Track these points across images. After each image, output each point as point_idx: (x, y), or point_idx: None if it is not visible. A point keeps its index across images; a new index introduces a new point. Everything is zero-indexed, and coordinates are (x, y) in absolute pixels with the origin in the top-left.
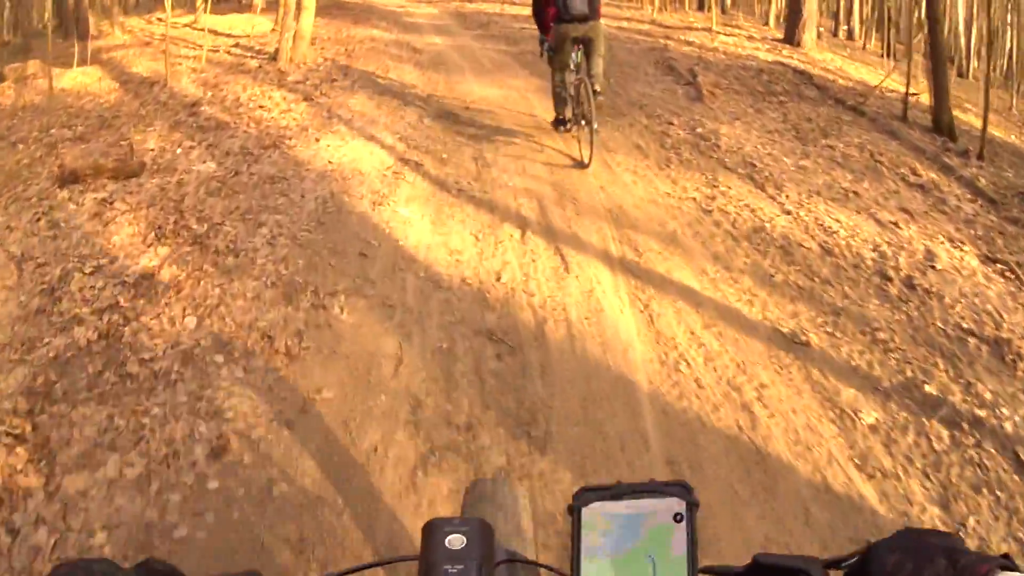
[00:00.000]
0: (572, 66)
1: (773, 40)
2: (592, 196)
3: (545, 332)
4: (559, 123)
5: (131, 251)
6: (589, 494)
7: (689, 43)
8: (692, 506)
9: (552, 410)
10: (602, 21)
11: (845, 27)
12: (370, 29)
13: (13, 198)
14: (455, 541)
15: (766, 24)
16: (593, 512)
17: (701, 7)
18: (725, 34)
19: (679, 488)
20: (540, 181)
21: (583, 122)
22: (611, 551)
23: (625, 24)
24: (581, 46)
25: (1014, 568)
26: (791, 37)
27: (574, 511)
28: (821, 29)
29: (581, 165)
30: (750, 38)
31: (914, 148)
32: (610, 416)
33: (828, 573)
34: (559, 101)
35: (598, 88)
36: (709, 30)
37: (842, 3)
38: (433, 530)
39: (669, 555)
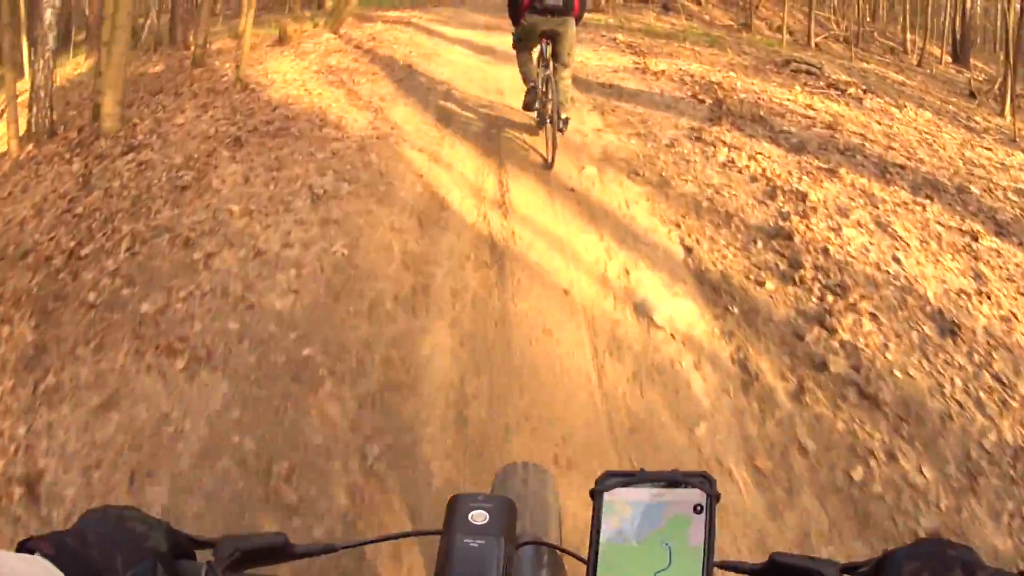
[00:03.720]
0: (538, 57)
1: None
2: None
3: None
4: (529, 94)
5: None
6: (612, 479)
7: None
8: (712, 498)
9: None
10: (574, 22)
11: None
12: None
13: None
14: (478, 516)
15: None
16: (615, 497)
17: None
18: None
19: (701, 479)
20: None
21: (548, 121)
22: (630, 537)
23: None
24: (550, 41)
25: None
26: None
27: (596, 495)
28: None
29: (546, 165)
30: None
31: None
32: None
33: None
34: (527, 80)
35: (564, 116)
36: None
37: None
38: (457, 504)
39: (686, 545)
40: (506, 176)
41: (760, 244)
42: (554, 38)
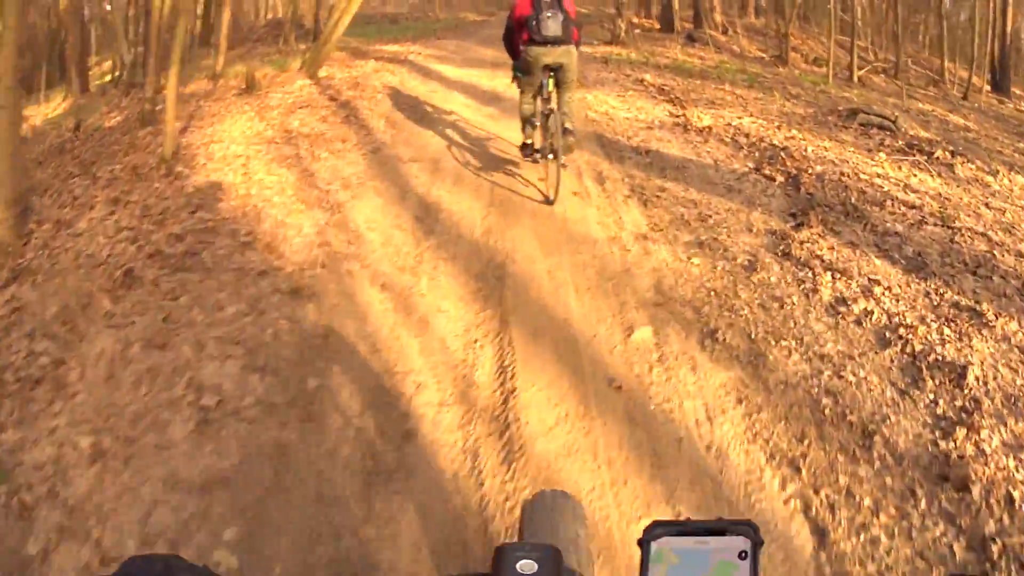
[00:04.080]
0: (542, 92)
1: None
2: None
3: None
4: (526, 148)
5: None
6: (659, 529)
7: None
8: (757, 545)
9: None
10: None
11: None
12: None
13: None
14: (526, 567)
15: None
16: (661, 546)
17: None
18: None
19: (746, 527)
20: None
21: (551, 156)
22: None
23: None
24: (552, 73)
25: None
26: None
27: (643, 544)
28: None
29: (547, 201)
30: None
31: None
32: None
33: None
34: (526, 124)
35: (569, 126)
36: None
37: None
38: (504, 555)
39: None
40: (513, 347)
41: (922, 500)
42: (557, 70)
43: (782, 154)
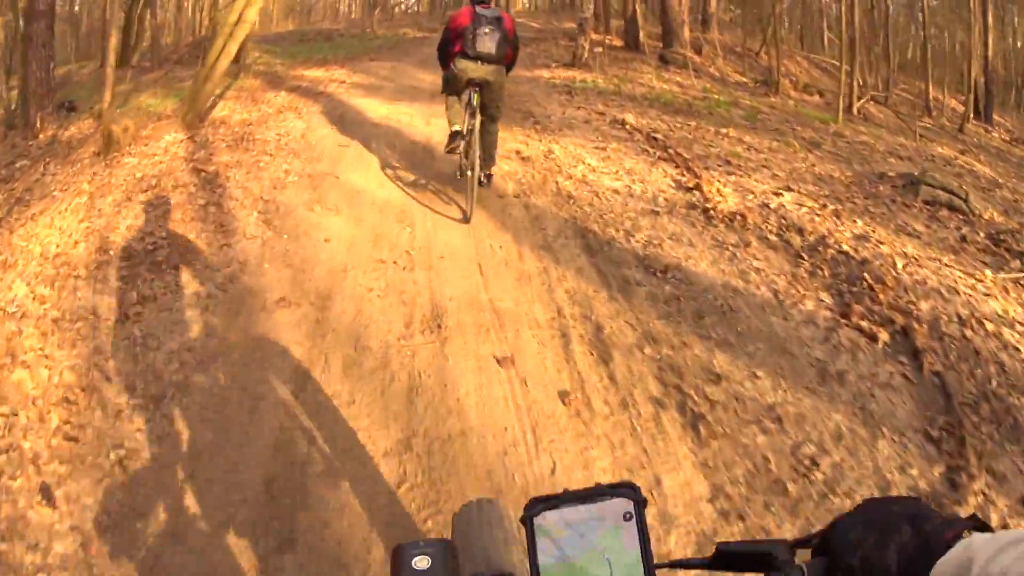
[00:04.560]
0: (465, 103)
1: None
2: None
3: None
4: (452, 138)
5: None
6: (539, 504)
7: None
8: (640, 504)
9: None
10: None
11: None
12: None
13: None
14: (421, 562)
15: None
16: (545, 521)
17: None
18: None
19: (625, 489)
20: None
21: (469, 172)
22: (568, 556)
23: None
24: (478, 89)
25: (984, 528)
26: None
27: (526, 522)
28: None
29: (465, 219)
30: None
31: None
32: None
33: (795, 552)
34: (452, 122)
35: (490, 171)
36: None
37: None
38: (400, 554)
39: (624, 554)
40: None
41: None
42: (483, 87)
43: (865, 275)
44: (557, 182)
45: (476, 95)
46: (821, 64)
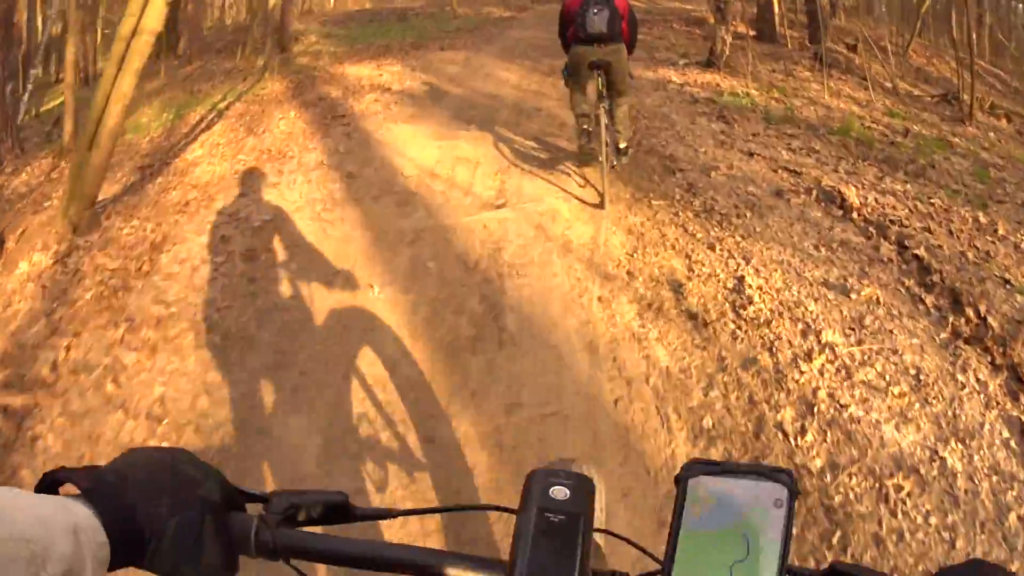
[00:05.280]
0: (592, 92)
1: None
2: None
3: None
4: (583, 149)
5: None
6: (697, 467)
7: None
8: (793, 494)
9: None
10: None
11: None
12: None
13: None
14: (558, 492)
15: None
16: (698, 484)
17: None
18: None
19: (784, 475)
20: None
21: (601, 159)
22: (710, 525)
23: None
24: (601, 72)
25: None
26: None
27: (680, 481)
28: None
29: (598, 205)
30: None
31: None
32: None
33: None
34: (580, 131)
35: (622, 144)
36: None
37: None
38: (536, 479)
39: (765, 538)
40: None
41: None
42: (607, 69)
43: None
44: (781, 425)
45: (601, 78)
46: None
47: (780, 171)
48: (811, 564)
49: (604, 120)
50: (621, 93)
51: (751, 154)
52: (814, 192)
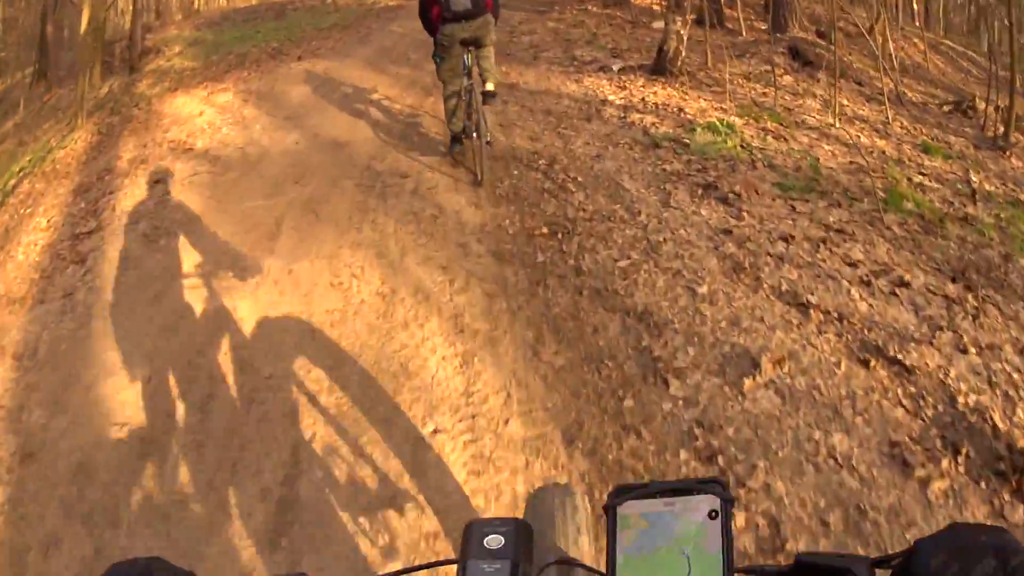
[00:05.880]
0: (463, 71)
1: None
2: None
3: None
4: (454, 142)
5: None
6: (624, 493)
7: None
8: (727, 503)
9: None
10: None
11: None
12: None
13: None
14: (493, 541)
15: None
16: (628, 510)
17: None
18: None
19: (714, 485)
20: None
21: (475, 134)
22: (647, 548)
23: None
24: (472, 48)
25: None
26: None
27: (609, 510)
28: None
29: (476, 182)
30: None
31: None
32: None
33: (875, 572)
34: (451, 116)
35: (490, 87)
36: None
37: None
38: (472, 530)
39: (704, 552)
40: None
41: None
42: (477, 43)
43: None
44: None
45: (470, 55)
46: (941, 49)
47: (870, 360)
48: None
49: (478, 96)
50: (490, 52)
51: (799, 304)
52: (920, 443)
